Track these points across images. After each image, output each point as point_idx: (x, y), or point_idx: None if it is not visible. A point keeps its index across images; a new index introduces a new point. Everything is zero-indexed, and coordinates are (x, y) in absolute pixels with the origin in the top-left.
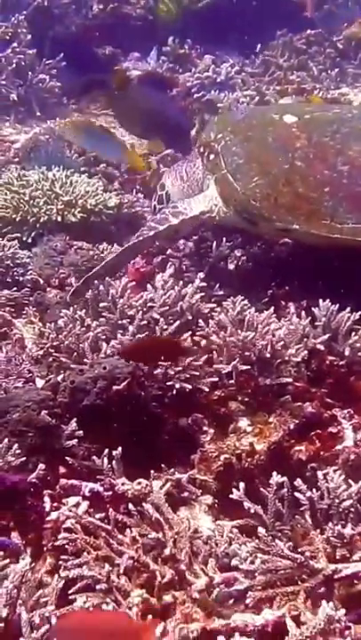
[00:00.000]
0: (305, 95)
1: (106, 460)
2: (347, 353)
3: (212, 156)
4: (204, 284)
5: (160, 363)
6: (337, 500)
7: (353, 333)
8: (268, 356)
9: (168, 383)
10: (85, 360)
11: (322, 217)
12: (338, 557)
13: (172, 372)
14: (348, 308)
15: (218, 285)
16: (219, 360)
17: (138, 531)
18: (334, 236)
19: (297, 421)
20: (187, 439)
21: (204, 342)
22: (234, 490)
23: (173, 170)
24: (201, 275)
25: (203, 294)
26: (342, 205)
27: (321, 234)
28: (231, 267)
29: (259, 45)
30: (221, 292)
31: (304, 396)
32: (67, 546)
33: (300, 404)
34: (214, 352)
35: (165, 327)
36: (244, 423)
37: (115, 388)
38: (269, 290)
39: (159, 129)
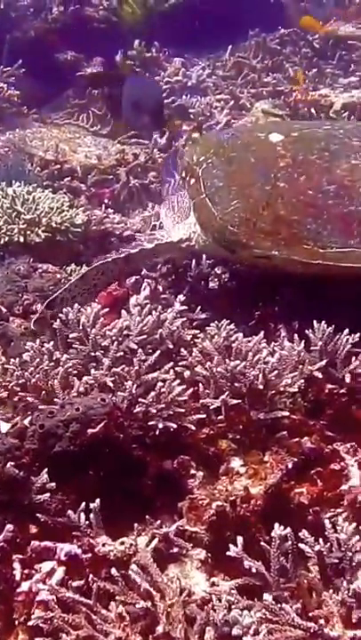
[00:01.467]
0: (283, 97)
1: (83, 516)
2: (347, 380)
3: (192, 181)
4: (185, 307)
5: (140, 400)
6: (349, 553)
7: (353, 358)
8: (261, 387)
9: (150, 423)
10: (56, 399)
11: (303, 241)
12: (355, 621)
13: (154, 410)
14: (346, 330)
15: (199, 308)
16: (205, 394)
17: (124, 599)
18: (316, 261)
19: (295, 459)
20: (173, 484)
21: (187, 373)
22: (231, 546)
23: (168, 198)
24: (181, 297)
25: (184, 319)
26: (326, 228)
27: (302, 260)
28: (213, 286)
29: (230, 47)
30: (204, 316)
31: (302, 429)
32: (42, 624)
33: (297, 439)
34: (200, 385)
35: (144, 358)
36: (236, 464)
37: (90, 431)
38: (256, 311)
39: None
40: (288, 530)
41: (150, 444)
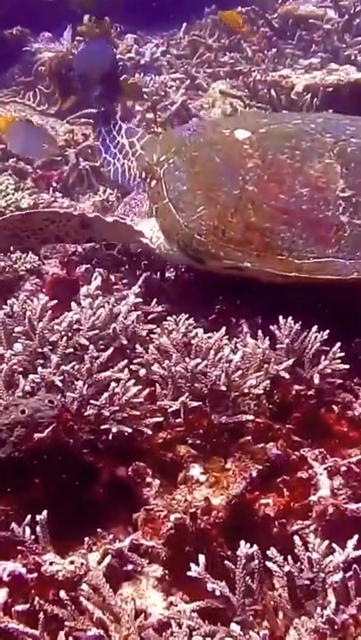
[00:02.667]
0: (241, 78)
1: (28, 530)
2: (316, 381)
3: (153, 183)
4: (140, 299)
5: (92, 401)
6: (322, 574)
7: (322, 357)
8: (224, 388)
9: (102, 426)
10: None
11: (278, 252)
12: None
13: (107, 413)
14: (315, 327)
15: (155, 300)
16: (163, 395)
17: (74, 625)
18: (292, 274)
19: (260, 467)
20: (127, 492)
21: (143, 372)
22: (192, 565)
23: (131, 200)
24: (135, 289)
25: (138, 313)
26: (302, 237)
27: (276, 272)
28: (169, 276)
29: (185, 25)
30: (160, 308)
31: (267, 434)
32: None
33: (262, 445)
34: (157, 385)
35: (96, 355)
36: (196, 471)
37: (36, 436)
38: (216, 304)
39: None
40: (255, 548)
41: (102, 448)
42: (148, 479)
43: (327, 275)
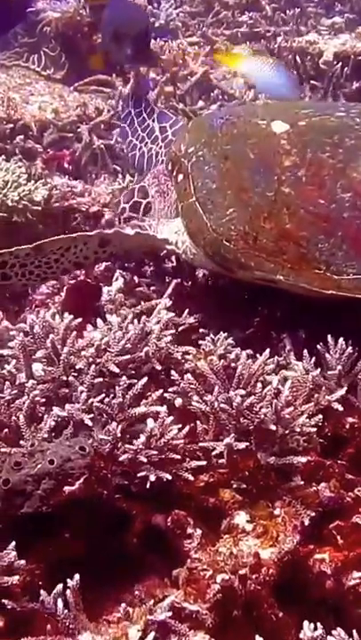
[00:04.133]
0: (263, 42)
1: (60, 603)
2: None
3: (180, 177)
4: (171, 314)
5: (127, 446)
6: None
7: None
8: (273, 427)
9: (139, 474)
10: (22, 441)
11: (314, 265)
12: None
13: (144, 459)
14: None
15: (187, 311)
16: (203, 431)
17: None
18: (328, 292)
19: (312, 513)
20: (165, 542)
21: (179, 402)
22: None
23: (161, 177)
24: (166, 301)
25: (172, 331)
26: (342, 248)
27: (312, 288)
28: (201, 280)
29: None
30: (192, 320)
31: (318, 472)
32: None
33: (314, 487)
34: (197, 421)
35: (127, 385)
36: (241, 519)
37: (67, 489)
38: (254, 315)
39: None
40: (319, 631)
41: (136, 492)
42: (189, 529)
43: None
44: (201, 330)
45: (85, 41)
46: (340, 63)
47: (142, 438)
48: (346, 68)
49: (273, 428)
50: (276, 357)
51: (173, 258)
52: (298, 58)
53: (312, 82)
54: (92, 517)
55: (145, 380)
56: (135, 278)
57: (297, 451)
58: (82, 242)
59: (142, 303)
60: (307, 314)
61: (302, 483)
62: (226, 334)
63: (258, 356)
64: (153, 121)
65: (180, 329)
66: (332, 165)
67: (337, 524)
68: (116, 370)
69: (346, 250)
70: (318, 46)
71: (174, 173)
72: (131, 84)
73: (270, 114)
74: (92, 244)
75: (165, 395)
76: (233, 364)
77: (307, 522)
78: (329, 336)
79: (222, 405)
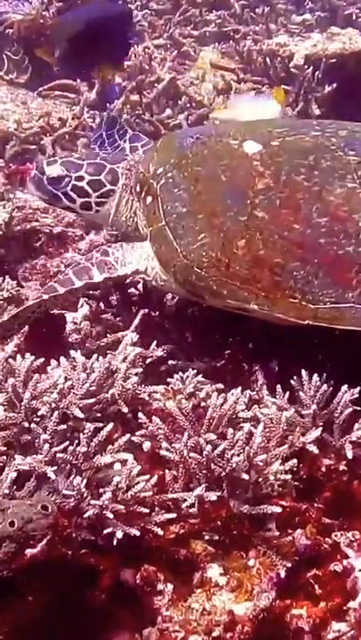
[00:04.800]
0: (232, 43)
1: None
2: (348, 454)
3: (148, 199)
4: (139, 349)
5: (92, 502)
6: None
7: (356, 425)
8: (246, 477)
9: (105, 530)
10: None
11: (289, 293)
12: None
13: (110, 515)
14: (345, 387)
15: (155, 343)
16: (173, 481)
17: None
18: (305, 322)
19: (289, 564)
20: (134, 598)
21: (147, 445)
22: None
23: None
24: (133, 335)
25: (139, 370)
26: (318, 276)
27: (288, 318)
28: (169, 307)
29: None
30: (160, 353)
31: (293, 518)
32: None
33: (290, 537)
34: (166, 470)
35: (92, 433)
36: (214, 572)
37: (28, 552)
38: (225, 347)
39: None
40: None
41: (103, 545)
42: (160, 586)
43: (346, 325)
44: (170, 361)
45: (49, 44)
46: (312, 67)
47: (108, 494)
48: (317, 72)
49: (245, 477)
50: (248, 392)
51: (140, 286)
52: (268, 60)
53: (283, 86)
54: (56, 576)
55: (110, 426)
56: (101, 304)
57: (271, 496)
58: (52, 297)
59: (108, 335)
60: (281, 341)
61: (277, 532)
62: (195, 371)
63: (229, 394)
64: (125, 142)
65: (148, 361)
66: (307, 188)
67: (314, 572)
68: (81, 415)
69: (322, 277)
70: (289, 48)
71: (142, 195)
72: (96, 90)
73: (242, 133)
74: (65, 292)
75: (133, 438)
76: (203, 403)
77: (283, 573)
78: (303, 371)
79: (192, 454)
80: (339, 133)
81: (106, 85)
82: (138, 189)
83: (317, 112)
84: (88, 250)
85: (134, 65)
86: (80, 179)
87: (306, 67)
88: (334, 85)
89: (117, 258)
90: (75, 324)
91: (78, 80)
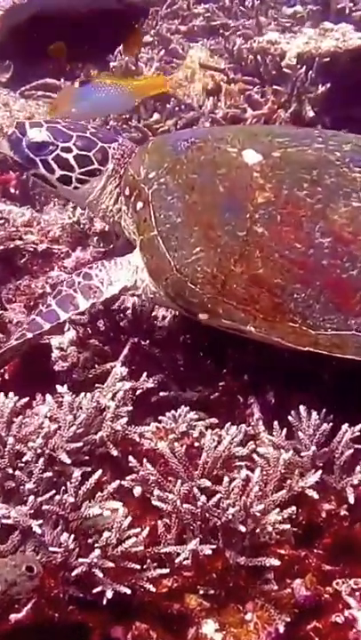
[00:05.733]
0: (221, 39)
1: None
2: (350, 498)
3: (139, 205)
4: (128, 384)
5: (81, 559)
6: None
7: (359, 467)
8: (242, 529)
9: (95, 589)
10: None
11: (289, 317)
12: None
13: (100, 574)
14: (345, 427)
15: (145, 374)
16: (166, 531)
17: None
18: (305, 349)
19: (288, 618)
20: None
21: (138, 491)
22: None
23: (126, 156)
24: (121, 369)
25: (129, 408)
26: (320, 300)
27: (287, 344)
28: (160, 334)
29: None
30: (151, 384)
31: (292, 567)
32: None
33: (289, 587)
34: (159, 520)
35: (79, 481)
36: (210, 628)
37: (13, 617)
38: (221, 374)
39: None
40: None
41: (92, 600)
42: None
43: (348, 354)
44: (161, 393)
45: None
46: (305, 66)
47: (97, 551)
48: (310, 72)
49: (242, 529)
50: (243, 427)
51: (129, 312)
52: (259, 59)
53: (274, 86)
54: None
55: (98, 473)
56: (88, 329)
57: (269, 545)
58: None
59: (97, 365)
60: (278, 367)
61: (275, 585)
62: (188, 408)
63: (224, 432)
64: None
65: (139, 392)
66: (310, 205)
67: (314, 625)
68: (67, 460)
69: (324, 302)
70: (280, 46)
71: (132, 199)
72: None
73: (241, 140)
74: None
75: (123, 482)
76: (196, 443)
77: (281, 628)
78: (301, 407)
79: (185, 506)
80: (343, 147)
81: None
82: (127, 192)
83: (311, 114)
84: (75, 267)
85: (120, 65)
86: (67, 150)
87: (298, 66)
88: (328, 85)
89: (102, 279)
90: (61, 349)
91: (62, 79)
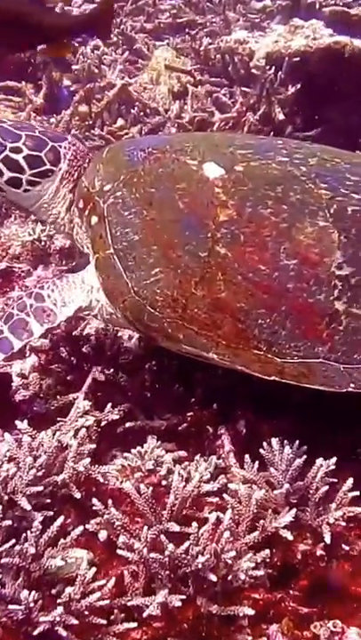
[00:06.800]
0: (188, 38)
1: None
2: (326, 538)
3: (94, 220)
4: (91, 419)
5: (42, 618)
6: None
7: (334, 505)
8: (213, 578)
9: None
10: None
11: (253, 344)
12: None
13: (63, 632)
14: (320, 461)
15: (109, 405)
16: (134, 582)
17: None
18: (270, 378)
19: None
20: None
21: (103, 535)
22: None
23: (79, 158)
24: (84, 403)
25: (92, 446)
26: (285, 326)
27: (252, 372)
28: (125, 358)
29: None
30: (116, 415)
31: (268, 611)
32: None
33: (265, 635)
34: (125, 569)
35: (39, 531)
36: None
37: None
38: (189, 408)
39: None
40: None
41: None
42: None
43: (316, 384)
44: (128, 423)
45: None
46: (274, 67)
47: (60, 608)
48: (280, 72)
49: (213, 578)
50: (213, 459)
51: (93, 337)
52: (227, 58)
53: (243, 88)
54: None
55: (60, 520)
56: (50, 355)
57: (243, 589)
58: None
59: (58, 396)
60: (248, 391)
61: (249, 634)
62: (155, 443)
63: (192, 468)
64: None
65: (103, 424)
66: (274, 225)
67: None
68: (28, 506)
69: (290, 328)
70: (249, 46)
71: (86, 213)
72: (43, 93)
73: (201, 151)
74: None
75: (87, 526)
76: (164, 482)
77: None
78: (273, 440)
79: (152, 555)
80: (308, 161)
81: (53, 88)
82: (81, 205)
83: (281, 116)
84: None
85: (82, 68)
86: (16, 150)
87: (267, 67)
88: (298, 86)
89: (55, 300)
90: (22, 376)
91: (24, 82)
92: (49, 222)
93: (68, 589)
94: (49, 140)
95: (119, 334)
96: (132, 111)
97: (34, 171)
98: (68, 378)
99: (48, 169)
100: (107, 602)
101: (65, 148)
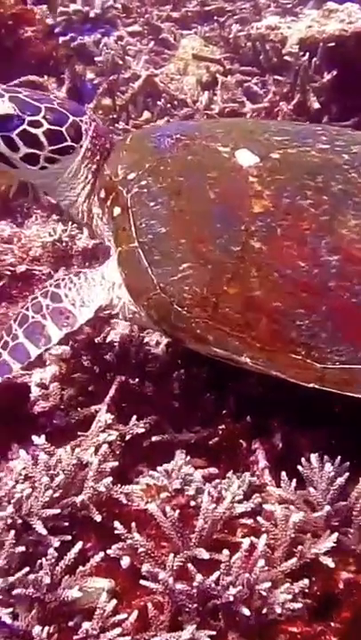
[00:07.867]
0: (216, 26)
1: None
2: None
3: (116, 211)
4: (114, 434)
5: None
6: None
7: None
8: (246, 612)
9: None
10: None
11: (291, 347)
12: None
13: None
14: None
15: (134, 417)
16: (159, 615)
17: None
18: (309, 385)
19: None
20: None
21: (126, 562)
22: None
23: (101, 138)
24: (107, 417)
25: (114, 463)
26: (326, 328)
27: (288, 378)
28: (150, 367)
29: None
30: (142, 428)
31: None
32: None
33: None
34: (149, 600)
35: (54, 558)
36: None
37: None
38: (220, 421)
39: None
40: None
41: None
42: None
43: (359, 393)
44: (154, 437)
45: (11, 36)
46: (308, 53)
47: None
48: (315, 59)
49: (246, 611)
50: (247, 476)
51: (117, 344)
52: (258, 46)
53: (275, 76)
54: None
55: (79, 546)
56: (72, 363)
57: (278, 622)
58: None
59: (79, 407)
60: (284, 399)
61: None
62: (183, 461)
63: (224, 486)
64: None
65: (128, 438)
66: (314, 217)
67: None
68: (43, 531)
69: (331, 330)
70: (281, 32)
71: (108, 204)
72: (66, 87)
73: (233, 137)
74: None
75: (109, 551)
76: (193, 502)
77: None
78: (313, 456)
79: (179, 586)
80: (351, 149)
81: (77, 82)
82: (103, 195)
83: (317, 105)
84: None
85: (106, 60)
86: (36, 124)
87: (301, 53)
88: (334, 72)
89: (73, 300)
90: (42, 386)
91: (46, 76)
92: (64, 204)
93: (86, 624)
94: (69, 114)
95: (145, 340)
96: (159, 103)
97: (53, 147)
98: (90, 388)
99: (69, 145)
100: (128, 638)
101: (86, 123)
